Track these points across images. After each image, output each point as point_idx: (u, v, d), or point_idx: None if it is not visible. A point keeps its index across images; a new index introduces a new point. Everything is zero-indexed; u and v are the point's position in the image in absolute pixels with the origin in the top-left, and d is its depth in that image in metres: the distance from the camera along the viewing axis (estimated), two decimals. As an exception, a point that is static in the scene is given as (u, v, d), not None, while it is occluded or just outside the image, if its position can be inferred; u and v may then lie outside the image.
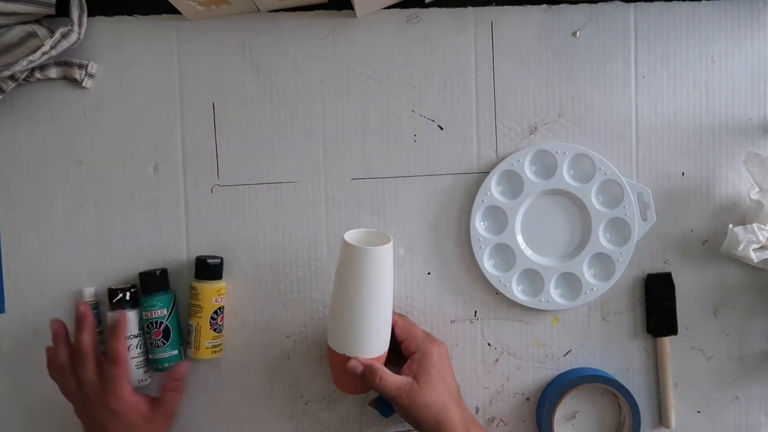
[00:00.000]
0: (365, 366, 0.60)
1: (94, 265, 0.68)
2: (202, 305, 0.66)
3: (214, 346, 0.67)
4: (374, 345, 0.62)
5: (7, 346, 0.68)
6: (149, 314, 0.66)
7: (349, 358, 0.61)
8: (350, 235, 0.61)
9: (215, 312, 0.66)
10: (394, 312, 0.64)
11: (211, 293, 0.66)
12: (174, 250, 0.69)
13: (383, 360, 0.63)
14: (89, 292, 0.67)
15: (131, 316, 0.65)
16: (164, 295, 0.66)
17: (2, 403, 0.68)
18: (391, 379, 0.60)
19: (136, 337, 0.66)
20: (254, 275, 0.69)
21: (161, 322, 0.66)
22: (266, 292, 0.70)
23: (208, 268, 0.66)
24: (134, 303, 0.66)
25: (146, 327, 0.66)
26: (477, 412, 0.71)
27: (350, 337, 0.61)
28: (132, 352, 0.65)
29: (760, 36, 0.71)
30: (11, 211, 0.68)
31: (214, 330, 0.66)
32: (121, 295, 0.65)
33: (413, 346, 0.63)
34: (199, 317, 0.66)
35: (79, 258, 0.68)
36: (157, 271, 0.66)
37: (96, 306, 0.67)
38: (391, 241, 0.61)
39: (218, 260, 0.67)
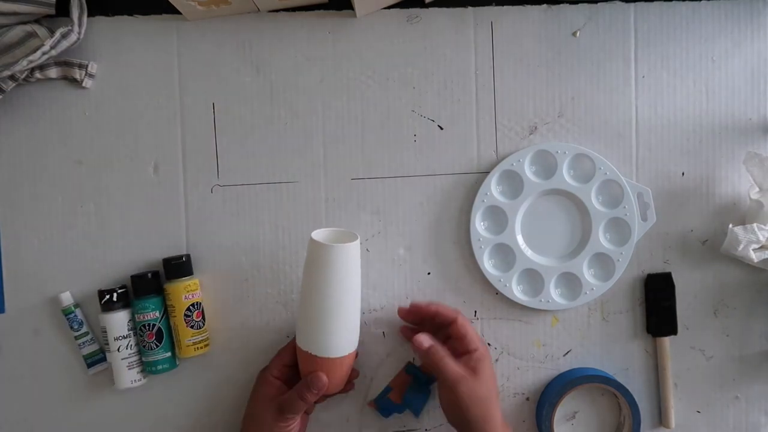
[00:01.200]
0: (431, 345, 0.62)
1: (93, 265, 0.68)
2: (174, 305, 0.66)
3: (195, 343, 0.67)
4: (344, 343, 0.61)
5: (7, 346, 0.68)
6: (142, 317, 0.66)
7: (315, 357, 0.61)
8: (318, 234, 0.61)
9: (188, 309, 0.66)
10: (455, 309, 0.65)
11: (180, 291, 0.66)
12: (174, 250, 0.68)
13: (352, 359, 0.63)
14: (66, 297, 0.67)
15: (120, 317, 0.65)
16: (156, 298, 0.66)
17: (2, 403, 0.68)
18: (454, 365, 0.62)
19: (125, 338, 0.66)
20: (254, 275, 0.69)
21: (154, 325, 0.66)
22: (266, 292, 0.70)
23: (172, 268, 0.67)
24: (124, 303, 0.66)
25: (139, 330, 0.66)
26: (477, 412, 0.71)
27: (318, 335, 0.61)
28: (122, 352, 0.65)
29: (760, 36, 0.71)
30: (11, 211, 0.68)
31: (191, 327, 0.66)
32: (108, 296, 0.65)
33: (474, 345, 0.64)
34: (174, 317, 0.66)
35: (79, 258, 0.68)
36: (149, 274, 0.66)
37: (76, 307, 0.67)
38: (358, 239, 0.61)
39: (181, 258, 0.67)
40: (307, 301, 0.61)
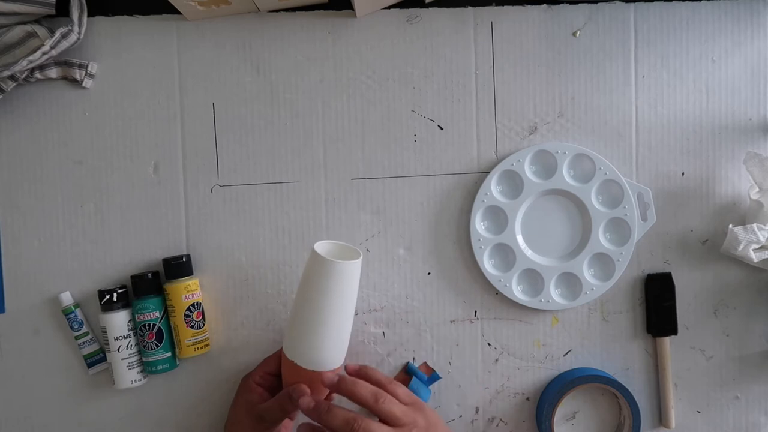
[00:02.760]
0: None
1: (93, 265, 0.68)
2: (174, 305, 0.66)
3: (196, 344, 0.67)
4: (331, 358, 0.61)
5: (7, 346, 0.68)
6: (142, 317, 0.66)
7: (300, 368, 0.60)
8: (320, 247, 0.61)
9: (188, 309, 0.66)
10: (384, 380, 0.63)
11: (179, 291, 0.66)
12: (174, 250, 0.69)
13: (338, 372, 0.62)
14: (66, 297, 0.67)
15: (120, 317, 0.65)
16: (156, 298, 0.66)
17: (2, 402, 0.68)
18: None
19: (125, 338, 0.66)
20: (254, 275, 0.69)
21: (154, 325, 0.66)
22: (266, 292, 0.70)
23: (172, 268, 0.67)
24: (124, 303, 0.66)
25: (139, 330, 0.66)
26: (477, 411, 0.71)
27: (307, 347, 0.60)
28: (122, 352, 0.66)
29: (760, 36, 0.71)
30: (11, 211, 0.68)
31: (191, 327, 0.66)
32: (108, 296, 0.65)
33: (398, 423, 0.58)
34: (174, 317, 0.66)
35: (79, 258, 0.68)
36: (149, 274, 0.66)
37: (76, 307, 0.67)
38: (361, 257, 0.61)
39: (181, 258, 0.67)
40: (301, 312, 0.61)
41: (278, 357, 0.64)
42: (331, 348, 0.61)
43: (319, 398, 0.60)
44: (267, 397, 0.63)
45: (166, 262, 0.67)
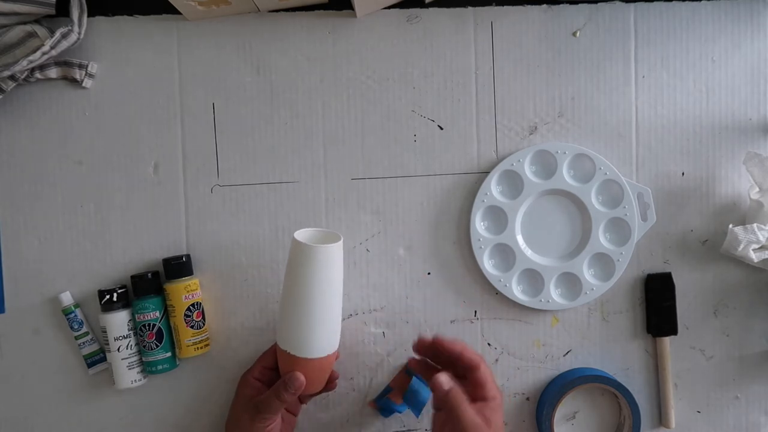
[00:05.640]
0: (451, 388, 0.58)
1: (93, 265, 0.68)
2: (174, 305, 0.66)
3: (196, 344, 0.67)
4: (323, 344, 0.61)
5: (7, 346, 0.68)
6: (142, 317, 0.66)
7: (294, 357, 0.60)
8: (301, 234, 0.61)
9: (188, 309, 0.66)
10: (479, 355, 0.61)
11: (179, 291, 0.66)
12: (174, 250, 0.68)
13: (331, 360, 0.63)
14: (66, 297, 0.67)
15: (120, 317, 0.65)
16: (156, 298, 0.67)
17: (2, 402, 0.68)
18: (472, 413, 0.58)
19: (125, 338, 0.66)
20: (254, 275, 0.69)
21: (154, 325, 0.66)
22: (266, 292, 0.70)
23: (172, 268, 0.67)
24: (124, 303, 0.66)
25: (139, 330, 0.66)
26: (477, 412, 0.71)
27: (297, 335, 0.60)
28: (122, 352, 0.66)
29: (760, 36, 0.71)
30: (11, 211, 0.68)
31: (191, 327, 0.66)
32: (108, 296, 0.65)
33: (492, 393, 0.59)
34: (174, 317, 0.66)
35: (79, 258, 0.68)
36: (149, 274, 0.66)
37: (76, 307, 0.67)
38: (341, 240, 0.61)
39: (181, 258, 0.67)
40: (288, 301, 0.61)
41: (274, 351, 0.64)
42: (322, 334, 0.61)
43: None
44: (264, 391, 0.63)
45: (166, 262, 0.67)
